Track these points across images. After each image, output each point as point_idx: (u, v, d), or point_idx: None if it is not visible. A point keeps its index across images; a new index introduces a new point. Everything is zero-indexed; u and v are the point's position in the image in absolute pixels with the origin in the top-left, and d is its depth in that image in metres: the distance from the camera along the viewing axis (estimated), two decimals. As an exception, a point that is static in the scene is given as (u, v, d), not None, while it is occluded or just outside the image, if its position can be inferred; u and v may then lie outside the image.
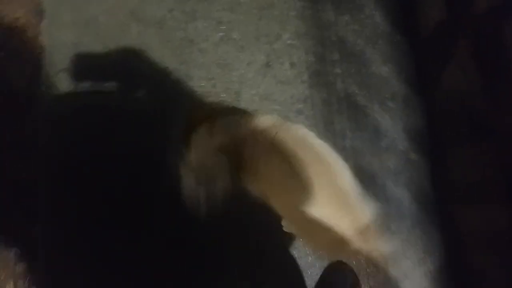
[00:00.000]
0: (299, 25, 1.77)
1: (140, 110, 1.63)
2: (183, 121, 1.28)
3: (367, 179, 1.62)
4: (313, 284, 1.30)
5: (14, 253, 1.46)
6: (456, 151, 1.52)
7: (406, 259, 1.58)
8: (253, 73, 1.71)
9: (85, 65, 1.66)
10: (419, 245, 1.61)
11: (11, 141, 1.58)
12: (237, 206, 1.29)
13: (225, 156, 1.11)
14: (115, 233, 1.50)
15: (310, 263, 1.53)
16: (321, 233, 0.98)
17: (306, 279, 1.51)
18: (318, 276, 1.29)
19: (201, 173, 1.20)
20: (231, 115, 1.19)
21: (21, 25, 1.68)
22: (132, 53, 1.68)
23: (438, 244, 1.64)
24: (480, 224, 1.50)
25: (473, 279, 1.61)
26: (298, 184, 0.96)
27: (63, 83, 1.63)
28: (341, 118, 1.67)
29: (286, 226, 1.37)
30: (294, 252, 1.52)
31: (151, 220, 1.51)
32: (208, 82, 1.68)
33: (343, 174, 1.00)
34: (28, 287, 1.45)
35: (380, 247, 1.00)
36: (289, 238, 1.51)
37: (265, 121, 1.11)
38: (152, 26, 1.71)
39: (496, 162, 1.31)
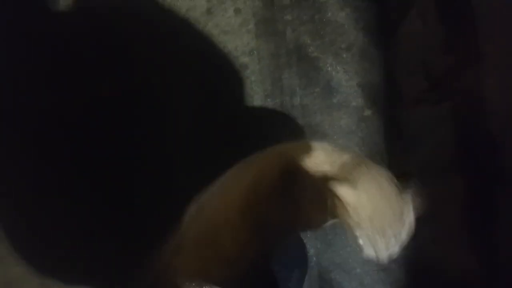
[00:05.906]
0: (245, -37, 1.52)
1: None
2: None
3: (318, 140, 1.51)
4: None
5: None
6: (412, 109, 1.41)
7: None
8: (192, 21, 1.50)
9: None
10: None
11: None
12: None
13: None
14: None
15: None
16: None
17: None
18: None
19: None
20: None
21: None
22: None
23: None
24: (435, 194, 1.43)
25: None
26: None
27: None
28: (290, 73, 1.51)
29: None
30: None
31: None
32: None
33: None
34: None
35: None
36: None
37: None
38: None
39: (452, 126, 1.20)
